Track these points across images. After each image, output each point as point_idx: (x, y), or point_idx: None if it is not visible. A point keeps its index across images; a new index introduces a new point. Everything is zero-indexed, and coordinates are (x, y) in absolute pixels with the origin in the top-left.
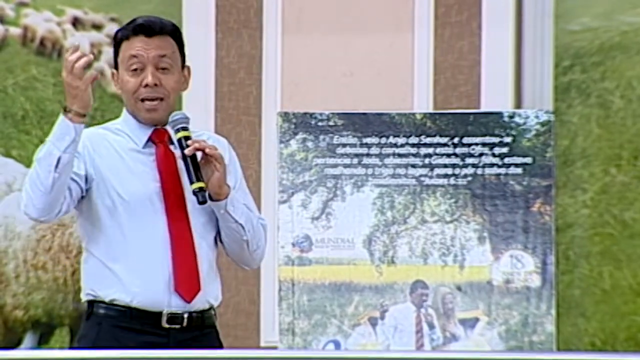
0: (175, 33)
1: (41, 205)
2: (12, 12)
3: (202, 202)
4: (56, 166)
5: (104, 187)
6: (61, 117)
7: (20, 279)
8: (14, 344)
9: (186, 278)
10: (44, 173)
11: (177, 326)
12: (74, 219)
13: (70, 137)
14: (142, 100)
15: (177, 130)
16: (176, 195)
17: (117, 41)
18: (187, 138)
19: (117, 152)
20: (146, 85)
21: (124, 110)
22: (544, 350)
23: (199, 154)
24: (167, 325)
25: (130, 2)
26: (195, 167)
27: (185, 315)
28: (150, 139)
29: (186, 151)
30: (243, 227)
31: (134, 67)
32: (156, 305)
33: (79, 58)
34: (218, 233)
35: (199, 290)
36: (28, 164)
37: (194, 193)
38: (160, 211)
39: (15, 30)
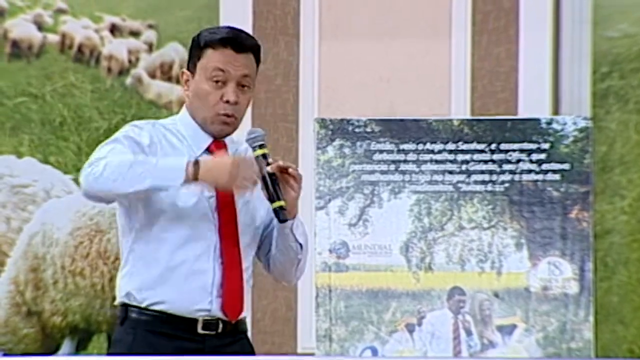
0: (257, 52)
1: (102, 193)
2: (51, 19)
3: (282, 221)
4: (137, 190)
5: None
6: (185, 165)
7: (58, 285)
8: (52, 350)
9: (233, 297)
10: (126, 182)
11: (212, 332)
12: (111, 225)
13: (167, 184)
14: (219, 114)
15: (255, 148)
16: (229, 210)
17: (201, 45)
18: (265, 156)
19: (173, 155)
20: (227, 101)
21: (185, 112)
22: (582, 357)
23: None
24: (202, 332)
25: (168, 9)
26: (276, 186)
27: (220, 322)
28: (208, 149)
29: (268, 168)
30: (302, 247)
31: (217, 79)
32: (193, 312)
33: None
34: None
35: (242, 309)
36: (66, 170)
37: (275, 211)
38: (212, 223)
39: (53, 37)
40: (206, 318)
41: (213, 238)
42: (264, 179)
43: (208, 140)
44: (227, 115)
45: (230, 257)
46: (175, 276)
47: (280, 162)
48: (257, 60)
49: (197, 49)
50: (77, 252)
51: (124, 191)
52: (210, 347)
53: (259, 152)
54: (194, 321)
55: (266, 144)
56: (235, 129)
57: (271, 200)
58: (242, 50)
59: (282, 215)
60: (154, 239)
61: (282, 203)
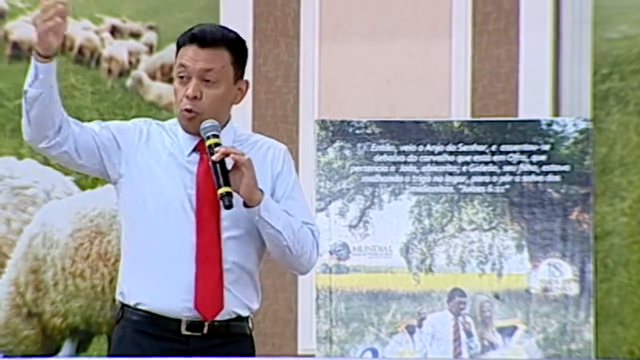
0: (232, 45)
1: (27, 133)
2: None
3: (228, 207)
4: (25, 100)
5: (139, 187)
6: None
7: (58, 286)
8: (53, 352)
9: (208, 296)
10: (24, 107)
11: (198, 334)
12: (112, 227)
13: (32, 73)
14: (182, 110)
15: (208, 138)
16: (210, 207)
17: (177, 47)
18: (216, 145)
19: (162, 153)
20: (187, 96)
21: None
22: (582, 358)
23: (229, 162)
24: (186, 333)
25: (169, 11)
26: (223, 173)
27: (206, 324)
28: (196, 148)
29: (213, 157)
30: (281, 233)
31: (181, 75)
32: (175, 312)
33: (56, 8)
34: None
35: (220, 308)
36: (66, 171)
37: (220, 198)
38: (190, 221)
39: None
40: (190, 319)
41: (191, 236)
42: (213, 167)
43: (195, 140)
44: (188, 111)
45: (207, 255)
46: (155, 276)
47: (223, 149)
48: (236, 56)
49: (176, 51)
50: (77, 254)
51: (25, 118)
52: (195, 348)
53: (212, 141)
54: (178, 322)
55: (219, 134)
56: (200, 122)
57: (218, 187)
58: (206, 45)
59: (227, 200)
60: (137, 239)
61: (226, 189)
